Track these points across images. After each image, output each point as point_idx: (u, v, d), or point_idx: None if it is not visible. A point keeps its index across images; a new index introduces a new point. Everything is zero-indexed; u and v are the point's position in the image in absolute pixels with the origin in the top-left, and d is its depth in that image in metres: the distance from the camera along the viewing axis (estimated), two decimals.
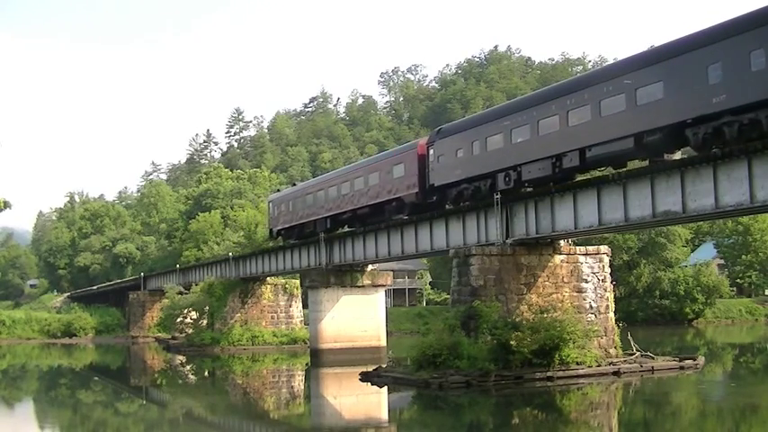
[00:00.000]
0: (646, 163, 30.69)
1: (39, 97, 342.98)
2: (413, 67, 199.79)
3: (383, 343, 52.77)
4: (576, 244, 37.92)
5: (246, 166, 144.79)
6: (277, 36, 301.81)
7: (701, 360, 38.79)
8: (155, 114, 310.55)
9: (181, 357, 61.56)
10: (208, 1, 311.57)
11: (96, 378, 51.00)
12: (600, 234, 47.01)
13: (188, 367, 55.44)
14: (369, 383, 36.16)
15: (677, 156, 29.27)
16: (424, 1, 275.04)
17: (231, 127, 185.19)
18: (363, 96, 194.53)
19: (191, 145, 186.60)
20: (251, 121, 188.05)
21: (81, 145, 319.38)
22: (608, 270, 37.51)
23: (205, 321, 66.62)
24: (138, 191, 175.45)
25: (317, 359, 50.90)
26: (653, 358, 37.24)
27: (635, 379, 35.01)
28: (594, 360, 33.99)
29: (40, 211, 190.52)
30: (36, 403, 39.28)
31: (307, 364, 52.15)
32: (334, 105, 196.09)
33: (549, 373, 32.43)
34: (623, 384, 34.04)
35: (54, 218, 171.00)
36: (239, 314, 65.16)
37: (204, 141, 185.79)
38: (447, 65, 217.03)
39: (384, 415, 30.43)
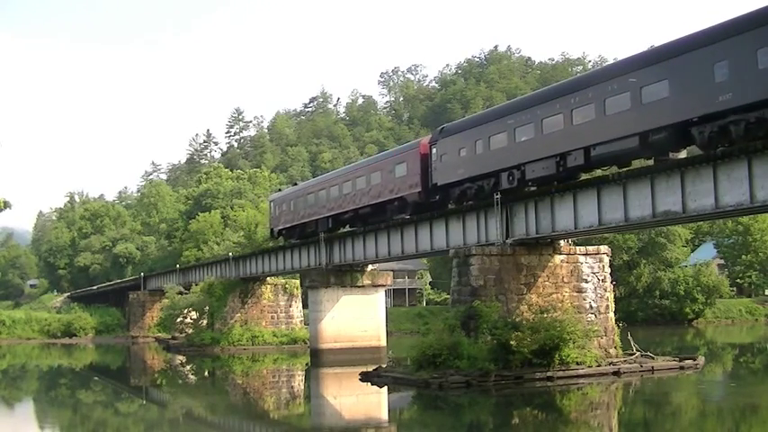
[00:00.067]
0: (648, 162, 30.56)
1: (39, 97, 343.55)
2: (413, 67, 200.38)
3: (383, 343, 52.74)
4: (576, 244, 37.88)
5: (246, 166, 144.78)
6: (277, 36, 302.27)
7: (701, 360, 38.76)
8: (155, 114, 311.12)
9: (181, 357, 61.54)
10: (208, 1, 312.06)
11: (96, 378, 50.97)
12: (600, 234, 46.94)
13: (188, 367, 55.42)
14: (369, 383, 36.13)
15: (683, 155, 29.10)
16: (424, 1, 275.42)
17: (231, 127, 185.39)
18: (363, 96, 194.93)
19: (191, 145, 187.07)
20: (251, 121, 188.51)
21: (81, 145, 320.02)
22: (608, 270, 37.46)
23: (205, 321, 66.62)
24: (138, 191, 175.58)
25: (317, 359, 50.87)
26: (653, 358, 37.20)
27: (635, 379, 34.98)
28: (594, 360, 33.96)
29: (40, 211, 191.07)
30: (36, 403, 39.25)
31: (307, 364, 52.12)
32: (334, 105, 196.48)
33: (549, 373, 32.41)
34: (623, 384, 34.01)
35: (54, 218, 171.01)
36: (239, 314, 65.15)
37: (204, 141, 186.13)
38: (447, 65, 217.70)
39: (384, 415, 30.41)
